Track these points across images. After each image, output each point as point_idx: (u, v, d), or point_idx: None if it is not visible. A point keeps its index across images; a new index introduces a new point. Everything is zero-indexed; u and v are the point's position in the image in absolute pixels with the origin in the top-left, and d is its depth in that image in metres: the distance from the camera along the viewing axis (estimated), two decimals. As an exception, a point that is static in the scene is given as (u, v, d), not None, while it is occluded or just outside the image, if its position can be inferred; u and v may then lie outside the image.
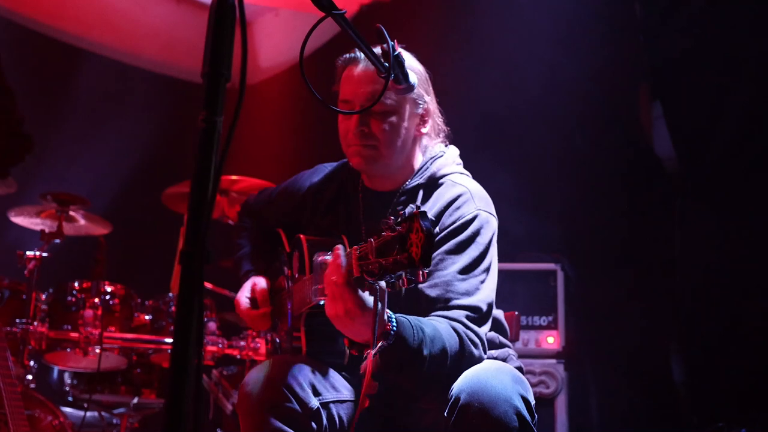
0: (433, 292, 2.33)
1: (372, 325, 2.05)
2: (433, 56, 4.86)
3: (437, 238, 2.35)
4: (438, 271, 2.34)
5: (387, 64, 2.17)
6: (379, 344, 2.09)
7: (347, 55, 2.49)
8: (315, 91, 2.12)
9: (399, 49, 2.20)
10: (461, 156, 2.63)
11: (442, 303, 2.31)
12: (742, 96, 4.09)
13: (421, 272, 1.91)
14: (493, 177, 4.13)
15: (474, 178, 2.60)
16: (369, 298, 2.07)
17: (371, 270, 1.97)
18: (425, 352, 2.13)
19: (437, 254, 2.35)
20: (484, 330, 2.36)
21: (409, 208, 1.92)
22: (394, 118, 2.43)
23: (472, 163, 2.63)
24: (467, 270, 2.34)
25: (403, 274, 1.92)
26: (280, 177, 4.56)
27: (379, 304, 2.11)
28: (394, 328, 2.09)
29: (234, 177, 4.58)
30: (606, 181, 4.62)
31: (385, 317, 2.09)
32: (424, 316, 2.28)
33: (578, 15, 4.55)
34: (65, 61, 6.11)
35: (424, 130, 2.52)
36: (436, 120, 2.58)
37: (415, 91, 2.38)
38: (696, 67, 4.18)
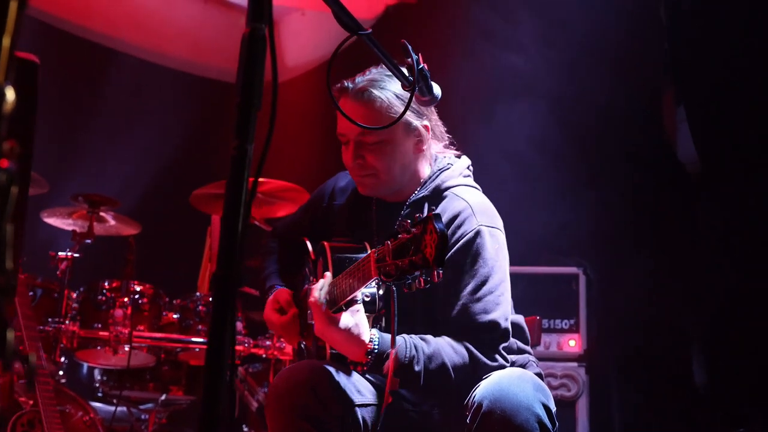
0: (449, 316, 2.37)
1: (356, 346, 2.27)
2: (453, 56, 4.91)
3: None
4: (451, 295, 2.37)
5: (411, 78, 2.22)
6: (368, 359, 2.27)
7: (338, 85, 2.50)
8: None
9: (423, 63, 2.24)
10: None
11: (459, 325, 2.35)
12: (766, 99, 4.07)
13: (436, 272, 1.97)
14: (514, 183, 4.18)
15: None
16: (352, 323, 2.25)
17: (388, 271, 2.04)
18: (417, 368, 2.25)
19: (447, 277, 2.36)
20: (505, 343, 2.41)
21: (424, 212, 1.98)
22: (387, 147, 2.47)
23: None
24: (479, 289, 2.36)
25: (419, 275, 1.99)
26: (305, 178, 4.62)
27: (393, 308, 2.28)
28: (376, 347, 2.26)
29: (259, 179, 4.55)
30: (628, 184, 4.62)
31: (367, 338, 2.26)
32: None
33: (603, 19, 4.55)
34: (95, 61, 6.15)
35: (424, 147, 2.54)
36: (436, 132, 2.59)
37: (406, 114, 2.37)
38: (721, 72, 4.17)
